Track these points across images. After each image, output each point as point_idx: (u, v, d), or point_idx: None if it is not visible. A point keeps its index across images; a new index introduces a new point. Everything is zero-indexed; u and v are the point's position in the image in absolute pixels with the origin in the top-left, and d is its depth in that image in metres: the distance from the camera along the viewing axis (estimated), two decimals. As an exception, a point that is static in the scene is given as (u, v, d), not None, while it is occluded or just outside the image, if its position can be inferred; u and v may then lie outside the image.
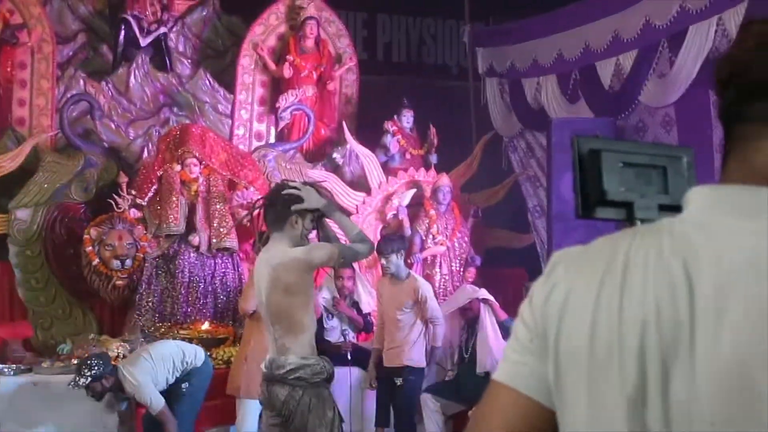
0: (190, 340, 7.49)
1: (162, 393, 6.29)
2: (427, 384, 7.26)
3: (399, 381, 6.74)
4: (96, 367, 6.11)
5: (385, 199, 9.19)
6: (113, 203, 7.91)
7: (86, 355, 6.60)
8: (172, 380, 6.41)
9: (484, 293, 7.39)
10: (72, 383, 6.14)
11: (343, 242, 4.80)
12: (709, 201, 1.15)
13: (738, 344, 1.03)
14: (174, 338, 7.51)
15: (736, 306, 1.04)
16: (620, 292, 1.13)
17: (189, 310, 7.99)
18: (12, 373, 6.96)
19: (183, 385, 6.48)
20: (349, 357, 7.35)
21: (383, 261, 6.82)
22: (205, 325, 7.81)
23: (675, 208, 1.35)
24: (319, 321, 7.48)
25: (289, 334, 4.53)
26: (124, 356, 7.05)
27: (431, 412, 7.15)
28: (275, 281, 4.47)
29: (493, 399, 1.28)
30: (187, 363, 6.49)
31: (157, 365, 6.35)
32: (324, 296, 7.59)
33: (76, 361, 7.17)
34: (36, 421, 6.66)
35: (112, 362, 6.40)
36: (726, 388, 1.03)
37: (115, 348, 7.30)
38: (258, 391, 6.71)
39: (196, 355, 6.61)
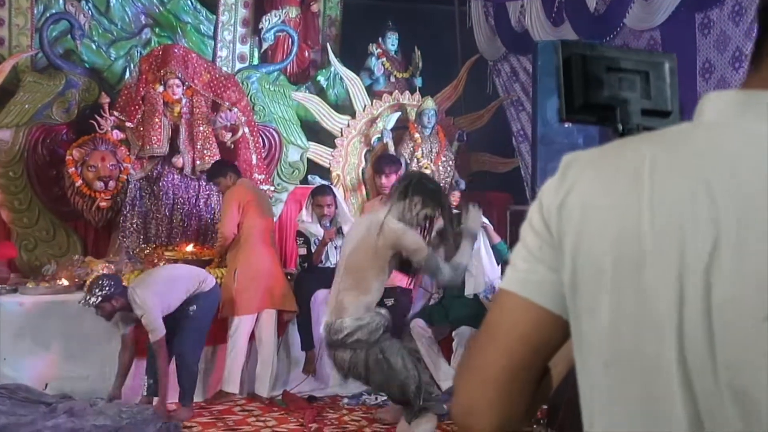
0: (176, 262, 7.54)
1: (169, 316, 6.38)
2: (412, 308, 7.34)
3: (390, 302, 6.81)
4: (107, 287, 6.22)
5: (370, 123, 9.17)
6: (95, 124, 7.86)
7: (97, 275, 6.66)
8: (181, 301, 6.50)
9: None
10: (82, 301, 6.26)
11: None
12: (734, 104, 1.12)
13: None
14: (159, 260, 7.56)
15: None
16: (650, 198, 1.10)
17: (173, 231, 8.02)
18: (-3, 292, 7.00)
19: (190, 308, 6.57)
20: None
21: (382, 179, 6.87)
22: (190, 247, 7.84)
23: (657, 113, 1.37)
24: (308, 245, 7.56)
25: (353, 291, 4.72)
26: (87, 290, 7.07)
27: (422, 337, 7.23)
28: (366, 239, 4.65)
29: (503, 308, 1.26)
30: (196, 287, 6.57)
31: (167, 289, 6.42)
32: (304, 219, 7.61)
33: (61, 282, 7.24)
34: (21, 340, 6.69)
35: (123, 284, 6.46)
36: None
37: (100, 269, 7.33)
38: (251, 308, 6.84)
39: (206, 279, 6.72)
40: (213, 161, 7.91)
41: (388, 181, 6.91)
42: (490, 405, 1.24)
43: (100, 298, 6.20)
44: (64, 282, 7.24)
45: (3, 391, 6.27)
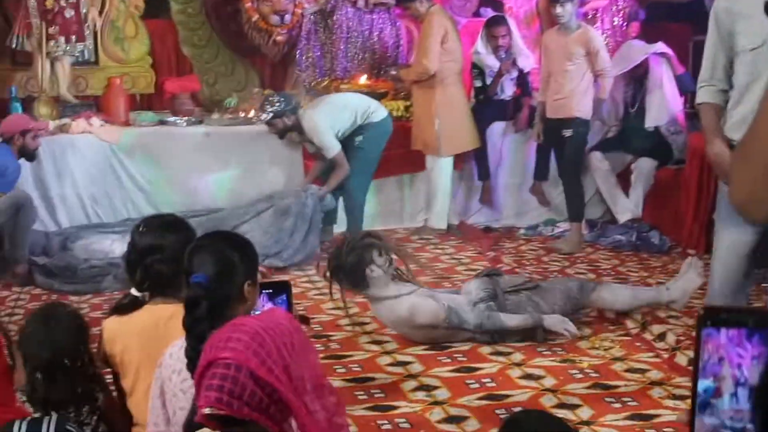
0: (351, 95, 7.60)
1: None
2: (590, 140, 7.17)
3: (568, 132, 6.68)
4: (278, 104, 6.43)
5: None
6: (271, -43, 7.84)
7: (269, 93, 6.94)
8: (349, 130, 6.54)
9: (661, 47, 7.14)
10: (255, 117, 6.45)
11: None
12: None
13: None
14: (335, 92, 7.63)
15: None
16: None
17: (348, 65, 8.04)
18: (185, 124, 7.25)
19: (357, 139, 6.60)
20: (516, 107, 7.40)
21: (558, 9, 6.62)
22: (364, 79, 7.85)
23: None
24: (482, 77, 7.45)
25: None
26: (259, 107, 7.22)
27: (600, 170, 7.10)
28: None
29: None
30: (366, 116, 6.58)
31: (337, 113, 6.50)
32: (479, 51, 7.47)
33: (242, 114, 7.43)
34: (207, 167, 6.95)
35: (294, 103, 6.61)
36: None
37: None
38: (453, 148, 6.74)
39: (376, 110, 6.69)
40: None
41: (564, 10, 6.63)
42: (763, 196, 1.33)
43: (271, 114, 6.40)
44: (245, 114, 7.42)
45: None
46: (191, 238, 2.94)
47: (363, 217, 6.81)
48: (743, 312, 0.90)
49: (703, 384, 1.06)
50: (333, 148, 6.40)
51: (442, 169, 7.07)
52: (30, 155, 6.15)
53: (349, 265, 4.57)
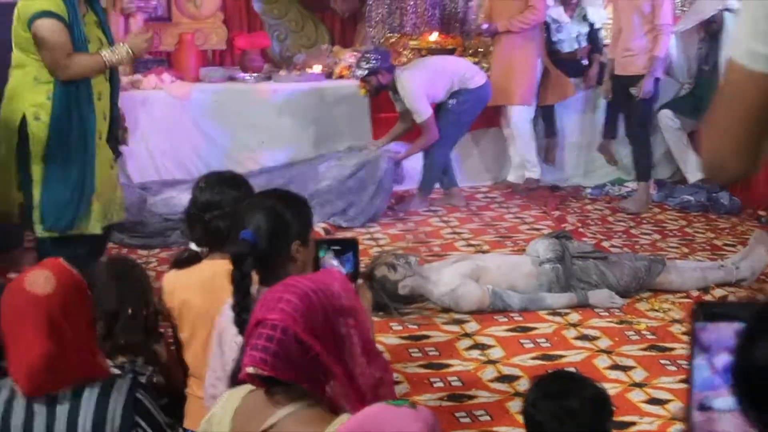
0: (419, 51, 7.59)
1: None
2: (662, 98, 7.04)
3: (636, 90, 6.57)
4: (375, 61, 6.39)
5: None
6: None
7: (366, 49, 6.95)
8: (445, 97, 6.51)
9: (734, 2, 6.94)
10: (351, 74, 6.50)
11: None
12: None
13: None
14: (403, 49, 7.63)
15: None
16: None
17: (417, 21, 8.01)
18: (254, 80, 7.33)
19: (450, 102, 6.55)
20: (585, 62, 7.29)
21: None
22: (434, 36, 7.83)
23: None
24: (548, 32, 7.35)
25: None
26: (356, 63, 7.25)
27: (671, 129, 6.99)
28: None
29: (732, 78, 1.41)
30: (463, 82, 6.54)
31: (434, 77, 6.47)
32: (551, 5, 7.36)
33: (310, 70, 7.47)
34: (275, 123, 7.03)
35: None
36: None
37: (348, 58, 7.49)
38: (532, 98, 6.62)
39: (473, 77, 6.61)
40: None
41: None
42: (731, 154, 1.42)
43: (366, 71, 6.38)
44: (315, 70, 7.47)
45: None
46: (249, 195, 3.02)
47: (438, 179, 6.82)
48: (736, 306, 0.92)
49: (699, 378, 1.07)
50: (424, 113, 6.39)
51: (520, 119, 7.06)
52: None
53: (386, 298, 4.54)
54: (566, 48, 7.35)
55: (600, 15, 7.53)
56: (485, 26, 7.02)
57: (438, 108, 6.50)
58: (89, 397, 2.13)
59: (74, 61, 4.12)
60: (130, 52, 4.30)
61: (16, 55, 4.24)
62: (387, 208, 6.53)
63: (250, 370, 1.94)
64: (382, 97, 6.73)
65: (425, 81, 6.42)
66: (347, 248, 2.61)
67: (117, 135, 4.60)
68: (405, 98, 6.38)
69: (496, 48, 7.11)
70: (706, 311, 1.04)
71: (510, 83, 6.94)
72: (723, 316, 1.03)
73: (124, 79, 6.83)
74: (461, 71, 6.61)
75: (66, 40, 4.10)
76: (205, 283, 2.96)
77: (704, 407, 1.08)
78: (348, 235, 5.85)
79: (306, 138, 7.04)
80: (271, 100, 7.12)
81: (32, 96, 4.17)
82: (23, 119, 4.17)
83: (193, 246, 3.27)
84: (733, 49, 1.39)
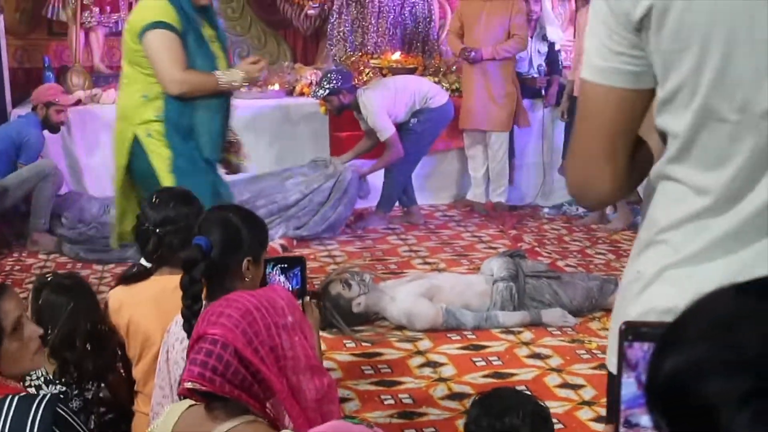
0: (380, 70, 7.63)
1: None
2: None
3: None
4: (336, 81, 6.41)
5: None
6: (304, -69, 7.89)
7: (328, 69, 6.95)
8: (407, 116, 6.53)
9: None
10: (312, 94, 6.48)
11: None
12: None
13: None
14: (364, 67, 7.66)
15: None
16: None
17: (379, 40, 8.06)
18: (213, 96, 7.31)
19: (411, 121, 6.57)
20: (543, 92, 7.38)
21: None
22: (395, 55, 7.88)
23: None
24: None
25: None
26: (317, 83, 7.29)
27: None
28: None
29: (588, 97, 1.43)
30: (425, 101, 6.57)
31: (396, 96, 6.49)
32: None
33: (272, 87, 7.49)
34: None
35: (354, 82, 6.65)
36: None
37: (308, 75, 7.52)
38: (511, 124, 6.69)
39: (436, 95, 6.65)
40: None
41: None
42: (595, 174, 1.42)
43: (328, 91, 6.40)
44: (275, 87, 7.49)
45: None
46: (200, 211, 3.02)
47: (398, 197, 6.85)
48: (663, 325, 0.94)
49: (627, 395, 1.09)
50: (387, 131, 6.41)
51: (503, 146, 7.14)
52: (52, 127, 6.26)
53: (339, 316, 4.53)
54: (525, 66, 7.42)
55: (559, 35, 7.62)
56: (472, 54, 6.99)
57: (400, 128, 6.53)
58: (8, 408, 2.10)
59: (187, 77, 3.92)
60: (244, 77, 4.12)
61: (125, 70, 4.06)
62: (345, 225, 6.55)
63: (188, 385, 1.93)
64: (342, 116, 6.75)
65: (387, 100, 6.45)
66: (294, 265, 2.63)
67: (229, 157, 4.45)
68: (368, 117, 6.41)
69: (471, 72, 7.11)
70: (633, 330, 1.06)
71: (492, 109, 6.99)
72: (649, 336, 1.05)
73: (82, 94, 6.82)
74: (423, 91, 6.65)
75: (179, 52, 3.90)
76: (153, 299, 2.95)
77: (631, 424, 1.09)
78: (305, 252, 5.86)
79: (267, 155, 7.04)
80: (233, 116, 7.09)
81: (141, 114, 3.99)
82: (134, 139, 4.00)
83: (142, 261, 3.26)
84: (584, 69, 1.40)
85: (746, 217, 1.27)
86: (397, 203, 6.88)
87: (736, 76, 1.24)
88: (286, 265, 2.63)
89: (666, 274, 1.36)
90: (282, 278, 2.63)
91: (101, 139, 6.71)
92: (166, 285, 2.88)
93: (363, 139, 6.72)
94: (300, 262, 2.65)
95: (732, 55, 1.24)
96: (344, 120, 6.87)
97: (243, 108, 7.09)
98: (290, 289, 2.57)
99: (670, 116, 1.34)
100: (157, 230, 3.03)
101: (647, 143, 1.45)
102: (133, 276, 3.11)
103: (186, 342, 2.47)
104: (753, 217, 1.27)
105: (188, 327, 2.39)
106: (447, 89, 7.09)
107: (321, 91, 6.48)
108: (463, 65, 7.22)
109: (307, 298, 2.62)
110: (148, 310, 2.95)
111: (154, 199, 3.14)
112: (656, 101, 1.37)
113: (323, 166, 6.53)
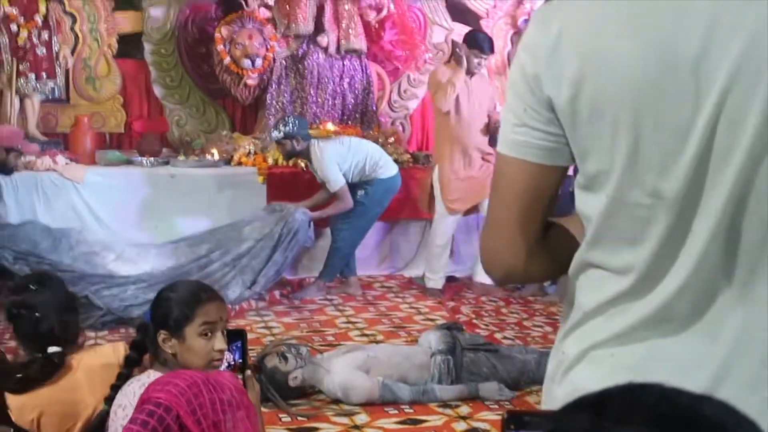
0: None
1: None
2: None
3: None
4: (292, 126, 6.47)
5: (517, 3, 8.92)
6: (243, 2, 7.93)
7: (286, 115, 7.16)
8: (354, 178, 6.54)
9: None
10: (266, 136, 6.57)
11: None
12: None
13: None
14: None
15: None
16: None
17: (318, 110, 8.09)
18: (150, 165, 7.26)
19: (359, 193, 6.58)
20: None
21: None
22: (330, 125, 7.90)
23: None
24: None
25: None
26: (255, 153, 7.30)
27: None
28: None
29: (501, 170, 1.42)
30: (375, 168, 6.60)
31: (348, 152, 6.54)
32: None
33: (211, 156, 7.45)
34: (170, 208, 6.95)
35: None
36: None
37: (247, 145, 7.51)
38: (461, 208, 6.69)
39: (386, 166, 6.67)
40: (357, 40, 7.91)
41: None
42: (506, 247, 1.41)
43: (282, 134, 6.45)
44: (213, 156, 7.45)
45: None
46: (62, 293, 2.94)
47: (340, 268, 6.80)
48: (545, 414, 0.93)
49: None
50: (337, 182, 6.43)
51: (448, 227, 6.99)
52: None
53: (275, 390, 4.44)
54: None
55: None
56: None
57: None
58: None
59: None
60: None
61: None
62: (281, 295, 6.50)
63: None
64: (279, 186, 6.73)
65: (338, 154, 6.49)
66: (235, 338, 2.61)
67: None
68: (318, 167, 6.43)
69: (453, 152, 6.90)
70: (516, 419, 1.05)
71: (476, 182, 6.83)
72: (532, 425, 1.04)
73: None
74: (375, 157, 6.68)
75: None
76: (57, 392, 2.78)
77: None
78: (241, 323, 5.77)
79: (202, 224, 6.94)
80: (167, 185, 7.04)
81: None
82: None
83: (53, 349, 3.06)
84: (499, 142, 1.40)
85: (665, 300, 1.26)
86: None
87: (645, 161, 1.23)
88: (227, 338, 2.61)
89: (590, 355, 1.34)
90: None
91: (35, 206, 6.62)
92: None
93: (320, 191, 6.69)
94: (241, 335, 2.63)
95: (640, 140, 1.23)
96: (283, 189, 6.85)
97: (181, 176, 7.08)
98: (233, 361, 2.56)
99: (588, 200, 1.33)
100: (34, 315, 2.90)
101: (570, 231, 1.43)
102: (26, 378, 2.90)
103: (128, 410, 2.41)
104: (671, 299, 1.26)
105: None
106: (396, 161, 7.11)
107: (276, 133, 6.54)
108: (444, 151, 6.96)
109: (248, 372, 2.59)
110: (56, 402, 2.80)
111: (32, 285, 2.98)
112: (576, 184, 1.36)
113: (279, 210, 6.50)
